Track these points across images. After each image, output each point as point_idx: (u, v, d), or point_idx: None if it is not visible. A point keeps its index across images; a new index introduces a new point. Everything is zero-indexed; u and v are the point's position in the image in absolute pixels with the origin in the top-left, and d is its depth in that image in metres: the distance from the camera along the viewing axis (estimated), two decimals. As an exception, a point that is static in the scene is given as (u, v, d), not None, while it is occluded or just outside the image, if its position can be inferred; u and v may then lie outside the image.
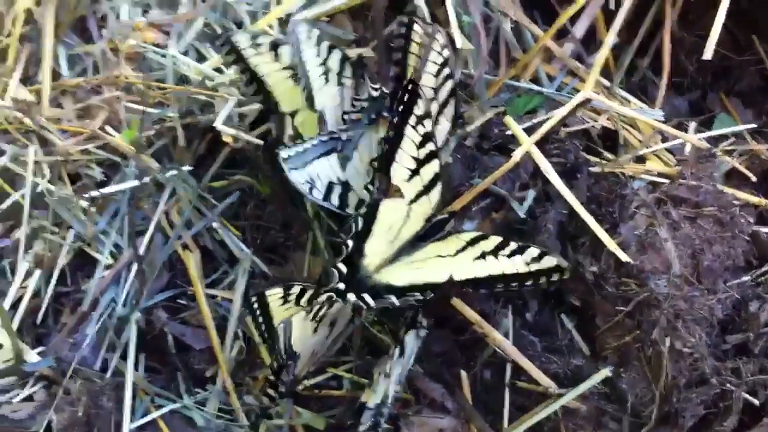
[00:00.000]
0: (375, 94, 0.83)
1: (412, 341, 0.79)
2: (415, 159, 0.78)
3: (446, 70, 0.84)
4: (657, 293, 0.80)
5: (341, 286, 0.74)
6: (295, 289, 0.79)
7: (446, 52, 0.83)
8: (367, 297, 0.73)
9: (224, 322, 0.92)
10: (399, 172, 0.78)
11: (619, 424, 0.83)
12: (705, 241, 0.83)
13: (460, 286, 0.75)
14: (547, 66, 1.01)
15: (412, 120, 0.76)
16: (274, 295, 0.79)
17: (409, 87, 0.76)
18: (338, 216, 0.88)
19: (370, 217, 0.77)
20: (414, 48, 0.82)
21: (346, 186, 0.83)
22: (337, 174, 0.83)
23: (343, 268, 0.75)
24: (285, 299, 0.79)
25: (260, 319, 0.79)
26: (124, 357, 0.90)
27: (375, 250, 0.77)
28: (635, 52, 1.06)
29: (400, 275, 0.76)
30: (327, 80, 0.85)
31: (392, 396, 0.78)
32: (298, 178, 0.82)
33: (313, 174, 0.82)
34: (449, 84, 0.84)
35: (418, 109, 0.76)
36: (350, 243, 0.76)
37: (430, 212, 0.80)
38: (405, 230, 0.79)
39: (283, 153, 0.81)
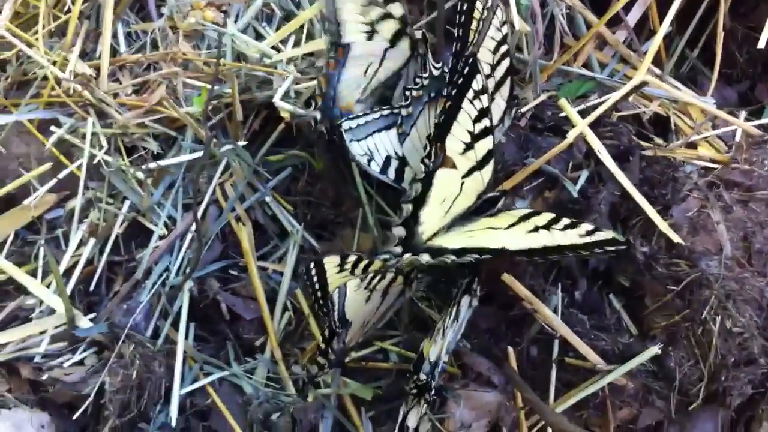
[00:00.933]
0: (436, 72, 0.85)
1: (465, 307, 0.79)
2: (470, 133, 0.79)
3: (504, 47, 0.84)
4: (708, 274, 0.80)
5: (398, 249, 0.75)
6: (351, 258, 0.80)
7: (505, 29, 0.84)
8: (424, 255, 0.75)
9: (274, 294, 0.93)
10: (454, 144, 0.79)
11: (666, 402, 0.83)
12: (757, 224, 0.83)
13: (515, 254, 0.76)
14: (599, 53, 1.02)
15: (470, 94, 0.77)
16: (330, 263, 0.80)
17: (469, 60, 0.76)
18: (389, 193, 0.90)
19: (426, 186, 0.78)
20: (474, 24, 0.83)
21: (402, 161, 0.85)
22: (395, 148, 0.85)
23: (401, 231, 0.76)
24: (341, 267, 0.80)
25: (316, 285, 0.81)
26: (175, 325, 0.92)
27: (429, 219, 0.78)
28: (686, 43, 1.06)
29: (454, 240, 0.77)
30: (370, 38, 0.88)
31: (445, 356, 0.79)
32: (358, 149, 0.84)
33: (372, 146, 0.84)
34: (506, 62, 0.85)
35: (476, 84, 0.77)
36: (408, 207, 0.77)
37: (482, 188, 0.81)
38: (458, 204, 0.80)
39: (345, 124, 0.83)
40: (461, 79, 0.77)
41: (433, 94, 0.85)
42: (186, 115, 0.92)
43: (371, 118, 0.84)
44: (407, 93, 0.85)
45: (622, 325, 0.86)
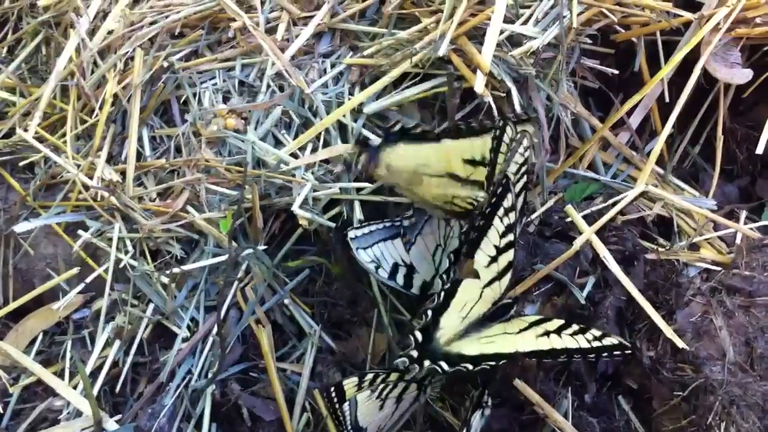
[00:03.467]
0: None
1: (477, 421, 0.83)
2: (496, 247, 0.84)
3: (524, 168, 0.89)
4: (712, 379, 0.83)
5: (415, 353, 0.79)
6: (369, 376, 0.84)
7: (527, 153, 0.89)
8: (442, 363, 0.79)
9: (293, 395, 0.96)
10: (481, 258, 0.84)
11: (676, 506, 0.85)
12: (758, 329, 0.86)
13: (527, 357, 0.80)
14: (604, 154, 1.06)
15: (500, 212, 0.82)
16: (350, 383, 0.84)
17: (503, 182, 0.82)
18: (403, 294, 0.94)
19: (451, 293, 0.83)
20: (503, 147, 0.88)
21: (410, 268, 0.90)
22: (401, 256, 0.91)
23: (419, 336, 0.81)
24: (359, 386, 0.84)
25: (338, 407, 0.84)
26: (198, 427, 0.95)
27: (449, 324, 0.83)
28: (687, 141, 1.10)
29: (471, 347, 0.81)
30: None
31: None
32: (364, 257, 0.90)
33: (378, 254, 0.90)
34: (523, 179, 0.90)
35: (507, 202, 0.83)
36: (429, 314, 0.82)
37: (498, 296, 0.85)
38: (475, 310, 0.84)
39: (351, 233, 0.90)
40: (494, 199, 0.82)
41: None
42: (208, 225, 0.96)
43: (375, 228, 0.90)
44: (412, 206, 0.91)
45: (631, 427, 0.89)
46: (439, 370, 0.80)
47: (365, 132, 0.99)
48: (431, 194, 0.92)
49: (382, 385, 0.84)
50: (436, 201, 0.90)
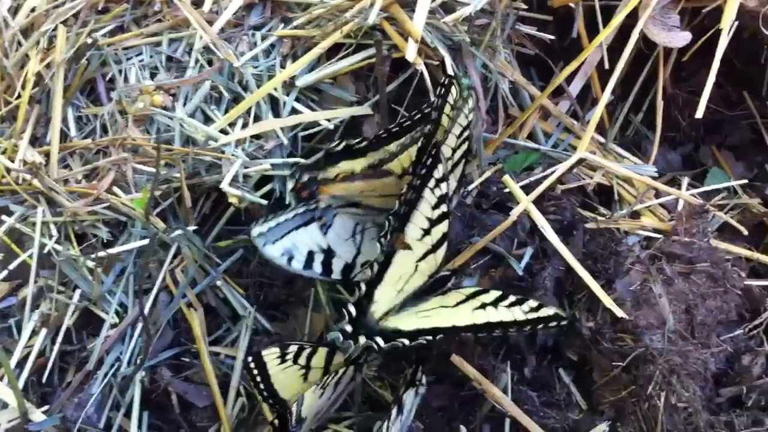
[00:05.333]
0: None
1: (410, 399, 0.80)
2: (429, 219, 0.81)
3: (467, 132, 0.86)
4: (652, 348, 0.82)
5: (349, 328, 0.77)
6: (292, 348, 0.81)
7: (471, 116, 0.86)
8: (378, 339, 0.76)
9: (227, 379, 0.93)
10: (413, 231, 0.81)
11: (617, 477, 0.84)
12: (698, 296, 0.84)
13: (462, 332, 0.78)
14: (544, 123, 1.04)
15: (431, 183, 0.79)
16: (271, 354, 0.81)
17: (433, 151, 0.78)
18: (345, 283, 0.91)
19: (385, 265, 0.80)
20: (447, 109, 0.85)
21: (329, 253, 0.87)
22: (317, 242, 0.87)
23: (353, 310, 0.78)
24: (282, 358, 0.81)
25: (258, 379, 0.81)
26: (128, 415, 0.91)
27: (383, 298, 0.80)
28: (629, 108, 1.08)
29: (407, 322, 0.79)
30: None
31: None
32: (272, 252, 0.85)
33: (290, 245, 0.85)
34: (465, 146, 0.87)
35: (437, 173, 0.79)
36: (363, 287, 0.79)
37: (434, 269, 0.83)
38: (410, 283, 0.82)
39: (255, 230, 0.84)
40: (424, 170, 0.79)
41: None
42: (132, 208, 0.93)
43: (284, 218, 0.86)
44: None
45: (572, 400, 0.87)
46: (375, 346, 0.77)
47: (297, 106, 0.96)
48: (380, 202, 0.89)
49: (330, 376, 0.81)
50: (388, 206, 0.87)
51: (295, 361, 0.81)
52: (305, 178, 0.91)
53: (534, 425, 0.83)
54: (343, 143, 0.91)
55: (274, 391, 0.81)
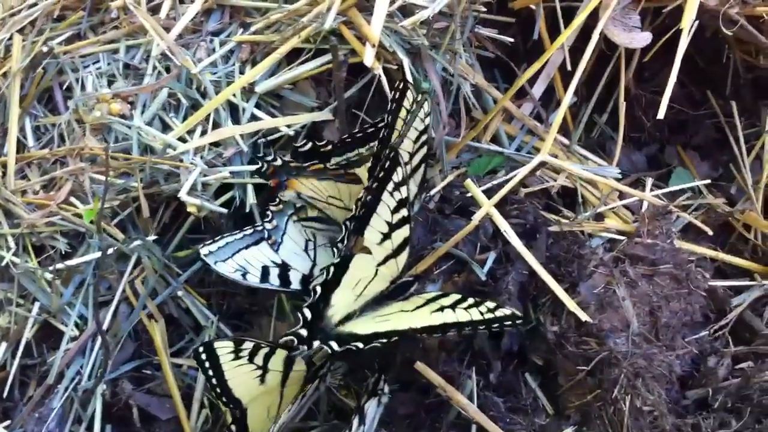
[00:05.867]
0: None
1: (373, 409, 0.79)
2: (388, 223, 0.80)
3: (424, 137, 0.86)
4: (616, 352, 0.81)
5: (303, 332, 0.75)
6: (248, 345, 0.80)
7: (428, 120, 0.85)
8: (332, 342, 0.75)
9: (190, 391, 0.92)
10: (372, 235, 0.79)
11: (584, 483, 0.83)
12: (662, 298, 0.84)
13: (418, 333, 0.76)
14: (507, 126, 1.03)
15: (390, 186, 0.78)
16: (224, 348, 0.80)
17: (391, 155, 0.77)
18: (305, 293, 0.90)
19: (341, 269, 0.79)
20: (402, 113, 0.84)
21: (284, 266, 0.86)
22: (270, 258, 0.86)
23: (308, 313, 0.76)
24: (236, 354, 0.80)
25: (209, 372, 0.80)
26: (90, 429, 0.90)
27: (341, 302, 0.79)
28: (593, 109, 1.08)
29: (364, 326, 0.77)
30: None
31: None
32: (225, 269, 0.85)
33: (242, 262, 0.85)
34: (423, 150, 0.87)
35: (396, 176, 0.78)
36: (318, 289, 0.77)
37: (396, 274, 0.82)
38: (371, 288, 0.81)
39: (203, 250, 0.84)
40: (383, 173, 0.77)
41: (298, 206, 0.90)
42: (85, 222, 0.91)
43: (232, 239, 0.86)
44: (268, 210, 0.89)
45: (539, 405, 0.86)
46: (329, 350, 0.75)
47: (257, 112, 0.95)
48: (341, 215, 0.89)
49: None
50: None
51: (250, 360, 0.80)
52: (278, 162, 0.90)
53: (499, 432, 0.82)
54: (309, 143, 0.90)
55: (227, 387, 0.80)
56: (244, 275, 0.84)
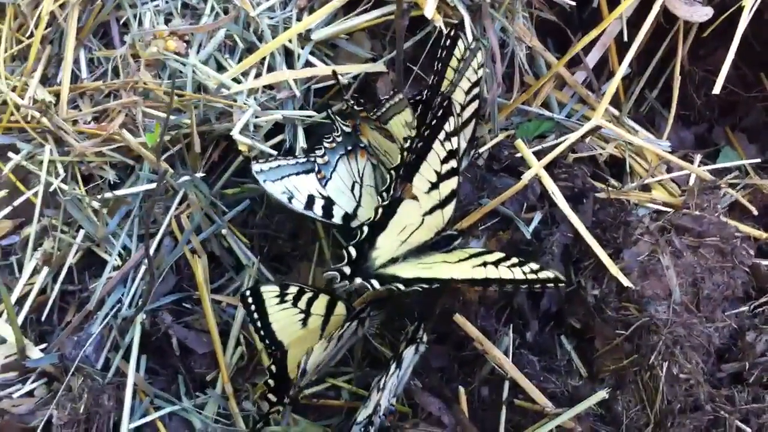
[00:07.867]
0: (347, 129, 0.88)
1: (410, 356, 0.80)
2: (437, 173, 0.79)
3: (476, 90, 0.85)
4: (656, 319, 0.81)
5: (347, 269, 0.76)
6: (293, 290, 0.81)
7: (481, 72, 0.85)
8: (374, 281, 0.75)
9: (227, 328, 0.93)
10: (420, 183, 0.79)
11: (613, 445, 0.83)
12: (706, 270, 0.84)
13: (459, 284, 0.77)
14: (558, 93, 1.03)
15: (441, 135, 0.77)
16: (270, 292, 0.80)
17: (445, 102, 0.76)
18: (345, 230, 0.90)
19: (390, 212, 0.79)
20: (453, 62, 0.84)
21: (329, 200, 0.86)
22: (318, 189, 0.86)
23: (353, 252, 0.77)
24: (281, 299, 0.80)
25: (255, 315, 0.81)
26: (126, 357, 0.91)
27: (385, 246, 0.79)
28: (644, 84, 1.07)
29: (406, 270, 0.77)
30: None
31: (385, 407, 0.79)
32: (274, 189, 0.85)
33: (290, 186, 0.85)
34: (475, 104, 0.86)
35: (449, 126, 0.77)
36: (365, 229, 0.78)
37: (441, 225, 0.82)
38: (415, 236, 0.81)
39: (255, 167, 0.84)
40: (435, 121, 0.77)
41: (349, 147, 0.88)
42: (141, 147, 0.92)
43: (284, 162, 0.86)
44: (322, 145, 0.87)
45: (573, 367, 0.86)
46: (369, 287, 0.76)
47: (311, 59, 0.95)
48: None
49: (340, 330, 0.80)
50: None
51: (294, 304, 0.81)
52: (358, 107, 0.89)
53: (533, 388, 0.83)
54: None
55: (271, 330, 0.81)
56: (290, 199, 0.84)
